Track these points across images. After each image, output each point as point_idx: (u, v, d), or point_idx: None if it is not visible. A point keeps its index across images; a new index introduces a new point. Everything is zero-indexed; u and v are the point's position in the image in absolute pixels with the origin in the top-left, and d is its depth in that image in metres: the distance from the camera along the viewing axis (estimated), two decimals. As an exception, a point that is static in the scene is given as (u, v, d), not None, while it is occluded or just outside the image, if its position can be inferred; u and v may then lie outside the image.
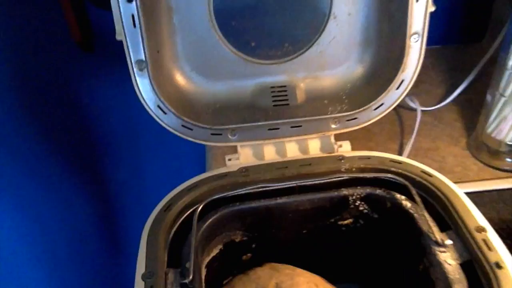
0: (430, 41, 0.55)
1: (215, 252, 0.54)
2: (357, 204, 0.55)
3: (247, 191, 0.52)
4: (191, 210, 0.51)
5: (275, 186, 0.53)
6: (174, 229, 0.50)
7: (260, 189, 0.53)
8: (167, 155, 0.92)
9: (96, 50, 0.82)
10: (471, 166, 0.71)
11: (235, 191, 0.52)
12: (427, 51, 0.55)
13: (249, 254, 0.58)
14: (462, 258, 0.46)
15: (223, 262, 0.55)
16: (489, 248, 0.45)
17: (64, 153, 0.89)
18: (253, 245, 0.57)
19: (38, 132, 0.84)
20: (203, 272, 0.51)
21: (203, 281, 0.50)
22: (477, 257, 0.45)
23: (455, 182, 0.53)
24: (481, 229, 0.47)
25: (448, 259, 0.46)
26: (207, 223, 0.51)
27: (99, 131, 0.88)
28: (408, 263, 0.53)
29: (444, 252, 0.47)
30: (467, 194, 0.52)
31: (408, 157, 0.66)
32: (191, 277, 0.44)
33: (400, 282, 0.56)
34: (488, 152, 0.72)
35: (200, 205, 0.50)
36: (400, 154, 0.73)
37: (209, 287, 0.55)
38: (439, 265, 0.46)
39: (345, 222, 0.57)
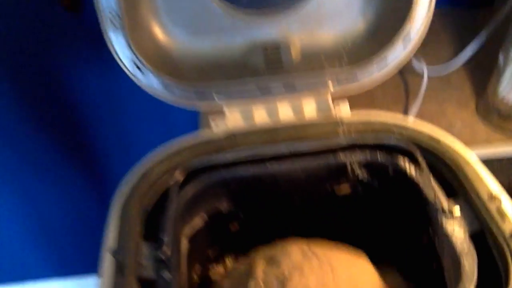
0: (440, 2, 0.49)
1: (198, 223, 0.49)
2: (356, 171, 0.50)
3: (234, 158, 0.47)
4: (170, 177, 0.46)
5: (264, 151, 0.48)
6: (151, 198, 0.45)
7: (248, 155, 0.48)
8: (157, 117, 0.86)
9: (82, 10, 0.76)
10: (480, 132, 0.66)
11: (220, 158, 0.47)
12: (436, 12, 0.49)
13: (236, 224, 0.53)
14: (472, 229, 0.41)
15: (208, 234, 0.51)
16: (503, 218, 0.40)
17: (46, 118, 0.84)
18: (241, 215, 0.52)
19: (17, 94, 0.80)
20: (185, 245, 0.47)
21: (184, 255, 0.46)
22: (488, 228, 0.40)
23: (463, 148, 0.48)
24: (494, 197, 0.42)
25: (456, 230, 0.41)
26: (188, 192, 0.46)
27: (84, 93, 0.83)
28: (412, 234, 0.48)
29: (451, 222, 0.42)
30: (475, 161, 0.46)
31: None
32: (168, 252, 0.40)
33: (403, 254, 0.51)
34: (499, 117, 0.66)
35: (181, 172, 0.45)
36: (404, 118, 0.67)
37: (193, 260, 0.50)
38: (445, 236, 0.41)
39: (343, 191, 0.52)
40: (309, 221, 0.54)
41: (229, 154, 0.47)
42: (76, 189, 0.97)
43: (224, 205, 0.50)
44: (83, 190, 0.97)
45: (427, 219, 0.44)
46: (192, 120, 0.74)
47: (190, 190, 0.47)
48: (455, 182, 0.45)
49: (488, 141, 0.65)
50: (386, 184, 0.50)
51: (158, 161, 0.47)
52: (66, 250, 1.08)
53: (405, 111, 0.68)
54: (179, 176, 0.45)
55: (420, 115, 0.67)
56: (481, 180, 0.43)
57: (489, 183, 0.43)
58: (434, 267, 0.44)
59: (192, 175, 0.47)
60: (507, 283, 0.37)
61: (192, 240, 0.48)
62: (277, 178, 0.49)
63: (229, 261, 0.55)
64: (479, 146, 0.64)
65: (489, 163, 0.63)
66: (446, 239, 0.41)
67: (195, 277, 0.52)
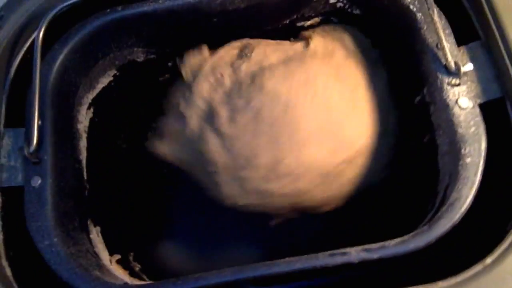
0: None
1: (104, 81, 0.36)
2: (326, -5, 0.33)
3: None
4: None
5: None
6: (17, 61, 0.31)
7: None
8: None
9: None
10: None
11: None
12: None
13: (167, 75, 0.39)
14: (487, 95, 0.27)
15: (123, 91, 0.37)
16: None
17: None
18: (170, 63, 0.38)
19: None
20: (86, 115, 0.34)
21: (83, 130, 0.33)
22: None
23: None
24: (531, 45, 0.26)
25: (462, 97, 0.27)
26: (73, 43, 0.31)
27: None
28: (401, 89, 0.34)
29: (456, 85, 0.27)
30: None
31: None
32: (34, 142, 0.28)
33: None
34: None
35: (49, 14, 0.30)
36: None
37: (110, 130, 0.38)
38: (444, 106, 0.27)
39: (309, 22, 0.36)
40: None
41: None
42: None
43: (138, 54, 0.36)
44: None
45: (423, 72, 0.30)
46: None
47: (74, 39, 0.31)
48: (476, 15, 0.28)
49: None
50: (371, 14, 0.34)
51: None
52: None
53: None
54: (45, 21, 0.29)
55: None
56: (516, 13, 0.27)
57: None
58: (424, 140, 0.31)
59: (73, 17, 0.31)
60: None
61: (99, 104, 0.35)
62: (205, 13, 0.33)
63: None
64: None
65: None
66: (444, 109, 0.27)
67: (123, 145, 0.41)
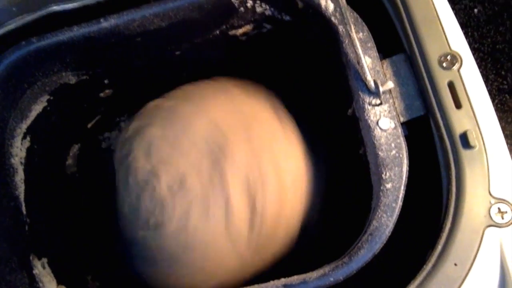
0: None
1: (38, 108, 0.35)
2: (248, 5, 0.31)
3: (40, 16, 0.29)
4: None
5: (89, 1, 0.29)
6: None
7: (65, 9, 0.29)
8: None
9: None
10: None
11: (23, 20, 0.29)
12: None
13: (107, 91, 0.38)
14: (410, 113, 0.26)
15: (62, 112, 0.37)
16: (457, 102, 0.24)
17: None
18: (106, 81, 0.37)
19: None
20: (22, 145, 0.34)
21: (17, 164, 0.33)
22: (434, 116, 0.25)
23: None
24: (450, 61, 0.25)
25: (384, 117, 0.26)
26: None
27: None
28: (334, 100, 0.33)
29: (377, 104, 0.26)
30: None
31: None
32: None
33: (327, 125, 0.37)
34: None
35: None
36: None
37: (49, 151, 0.38)
38: (367, 126, 0.26)
39: (241, 30, 0.34)
40: (206, 71, 0.38)
41: (33, 15, 0.29)
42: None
43: (69, 77, 0.34)
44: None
45: (350, 87, 0.29)
46: None
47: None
48: (401, 27, 0.27)
49: None
50: (302, 22, 0.32)
51: None
52: None
53: None
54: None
55: None
56: (435, 27, 0.25)
57: (449, 33, 0.25)
58: (360, 152, 0.30)
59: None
60: (447, 206, 0.24)
61: (36, 130, 0.35)
62: (125, 35, 0.31)
63: (124, 124, 0.43)
64: None
65: None
66: (367, 129, 0.26)
67: (70, 160, 0.40)
